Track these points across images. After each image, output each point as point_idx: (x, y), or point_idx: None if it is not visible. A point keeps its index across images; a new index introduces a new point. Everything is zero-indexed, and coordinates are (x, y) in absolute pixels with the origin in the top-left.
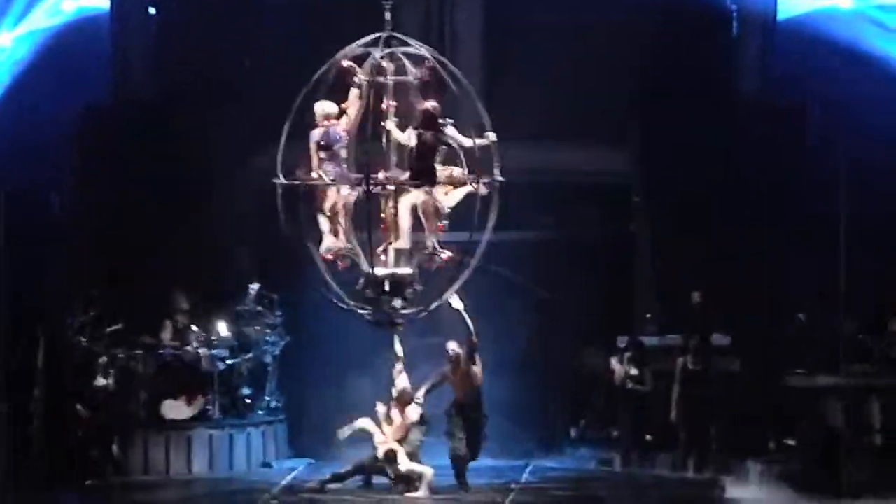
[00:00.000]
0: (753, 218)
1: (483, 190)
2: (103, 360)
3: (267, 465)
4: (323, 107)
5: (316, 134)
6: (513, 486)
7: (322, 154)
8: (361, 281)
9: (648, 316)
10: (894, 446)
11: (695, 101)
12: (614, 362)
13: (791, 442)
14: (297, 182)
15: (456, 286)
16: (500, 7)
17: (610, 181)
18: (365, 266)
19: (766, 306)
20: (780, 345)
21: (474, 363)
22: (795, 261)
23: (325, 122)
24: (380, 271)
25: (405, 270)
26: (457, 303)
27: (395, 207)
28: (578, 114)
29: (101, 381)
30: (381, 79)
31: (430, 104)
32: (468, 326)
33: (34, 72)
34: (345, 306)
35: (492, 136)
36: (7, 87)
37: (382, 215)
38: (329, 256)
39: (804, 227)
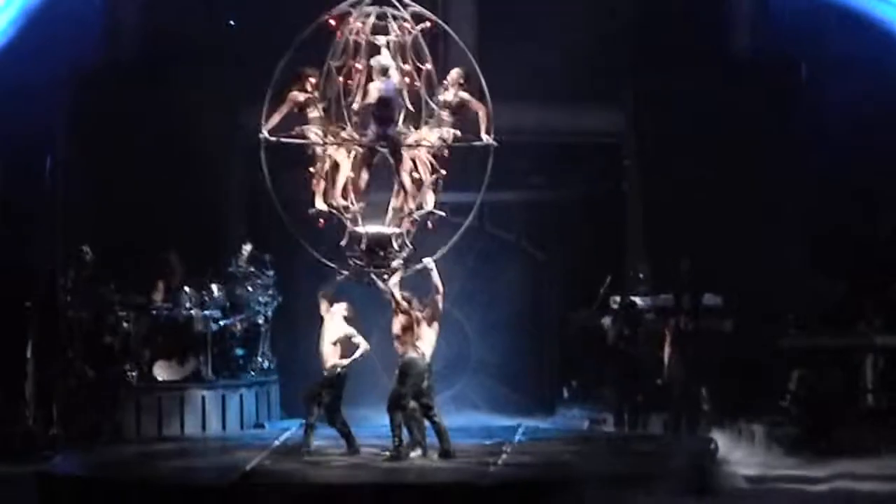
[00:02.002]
0: (746, 177)
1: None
2: (90, 314)
3: (259, 425)
4: (380, 60)
5: (379, 88)
6: (505, 446)
7: (377, 112)
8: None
9: (641, 276)
10: (887, 407)
11: (687, 61)
12: (606, 322)
13: (784, 403)
14: (285, 140)
15: (447, 248)
16: None
17: (602, 141)
18: (350, 224)
19: (758, 266)
20: (772, 305)
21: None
22: (788, 220)
23: (381, 78)
24: (362, 229)
25: (389, 230)
26: (430, 263)
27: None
28: (571, 74)
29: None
30: (374, 38)
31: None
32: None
33: (25, 34)
34: (330, 264)
35: None
36: None
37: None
38: (314, 213)
39: (797, 186)
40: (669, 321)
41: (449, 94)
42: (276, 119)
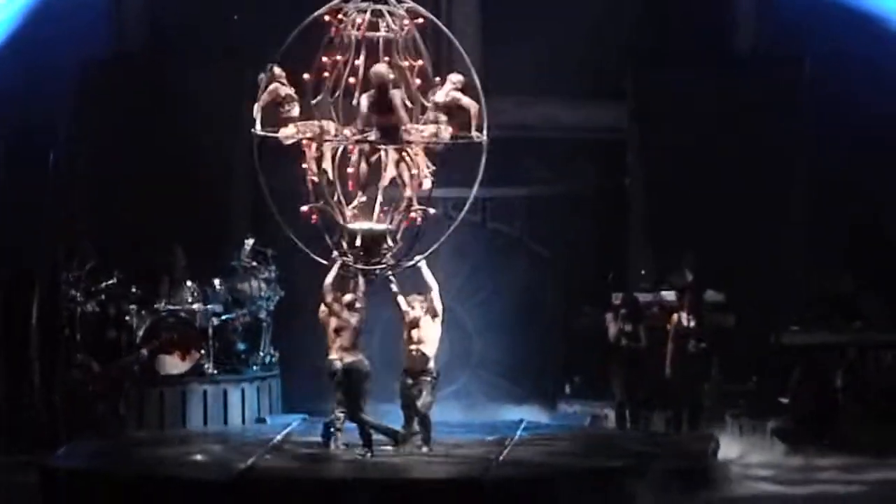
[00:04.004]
0: (749, 174)
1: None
2: (93, 308)
3: (261, 420)
4: (382, 70)
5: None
6: (507, 442)
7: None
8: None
9: (643, 272)
10: (888, 404)
11: (691, 57)
12: (608, 319)
13: (785, 399)
14: (274, 134)
15: (439, 242)
16: None
17: (605, 137)
18: (342, 221)
19: (761, 262)
20: (774, 301)
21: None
22: (791, 216)
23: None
24: (356, 226)
25: (381, 226)
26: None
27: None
28: (575, 69)
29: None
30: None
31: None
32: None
33: (31, 25)
34: (322, 260)
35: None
36: (4, 40)
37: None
38: (305, 209)
39: (800, 183)
40: (672, 317)
41: (440, 96)
42: (257, 112)
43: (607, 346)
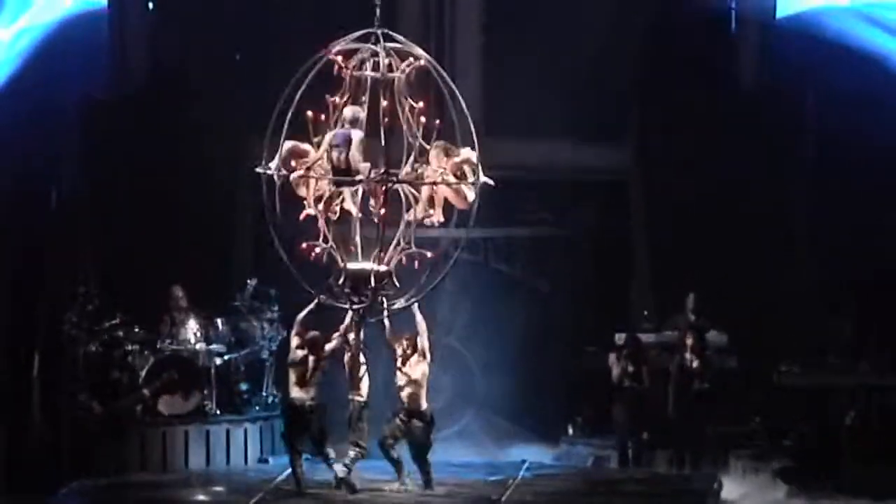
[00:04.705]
0: (752, 213)
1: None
2: (96, 348)
3: (264, 460)
4: (354, 112)
5: (334, 136)
6: (510, 482)
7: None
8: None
9: (646, 313)
10: (890, 446)
11: (693, 98)
12: (611, 359)
13: (788, 441)
14: (275, 172)
15: (435, 283)
16: (500, 1)
17: (607, 177)
18: (339, 260)
19: (764, 303)
20: (777, 342)
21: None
22: (795, 256)
23: (347, 126)
24: (353, 266)
25: (377, 266)
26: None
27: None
28: (576, 110)
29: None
30: (369, 74)
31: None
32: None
33: (34, 65)
34: (319, 298)
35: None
36: (7, 79)
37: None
38: (304, 247)
39: (803, 222)
40: (674, 358)
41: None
42: (281, 152)
43: (610, 387)
